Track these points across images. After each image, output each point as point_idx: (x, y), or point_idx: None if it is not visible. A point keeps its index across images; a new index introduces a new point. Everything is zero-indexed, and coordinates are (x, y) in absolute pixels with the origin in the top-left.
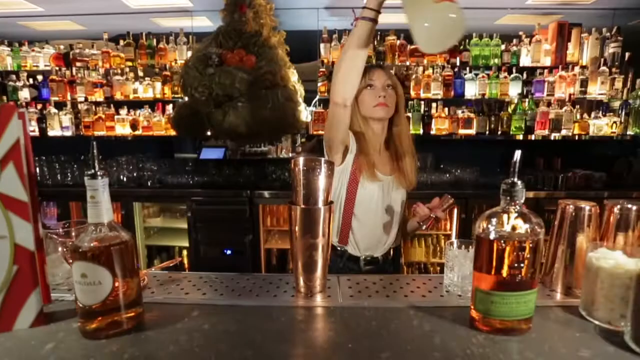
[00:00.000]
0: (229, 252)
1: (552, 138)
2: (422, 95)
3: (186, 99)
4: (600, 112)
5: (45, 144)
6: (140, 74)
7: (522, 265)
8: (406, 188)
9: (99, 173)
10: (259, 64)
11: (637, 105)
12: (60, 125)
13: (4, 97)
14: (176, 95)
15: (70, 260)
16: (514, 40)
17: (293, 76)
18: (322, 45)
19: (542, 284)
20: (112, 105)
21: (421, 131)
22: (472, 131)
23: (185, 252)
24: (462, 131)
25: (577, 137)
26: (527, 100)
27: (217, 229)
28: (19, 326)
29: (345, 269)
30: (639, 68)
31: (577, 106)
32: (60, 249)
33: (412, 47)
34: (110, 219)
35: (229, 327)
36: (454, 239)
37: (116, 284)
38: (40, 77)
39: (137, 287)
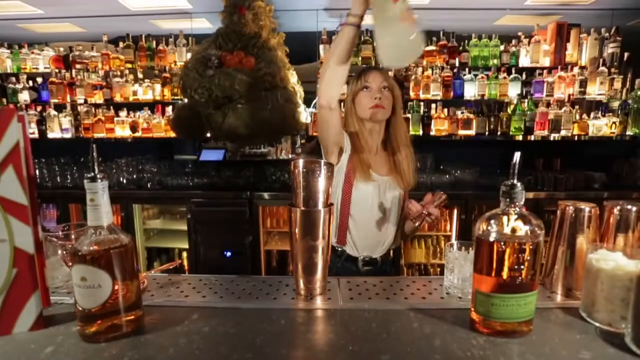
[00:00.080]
0: (228, 253)
1: (551, 138)
2: (422, 96)
3: (186, 100)
4: (600, 112)
5: (44, 146)
6: (140, 75)
7: (522, 267)
8: (404, 189)
9: (98, 176)
10: (259, 66)
11: (636, 106)
12: (59, 128)
13: (4, 100)
14: (176, 97)
15: (70, 263)
16: (513, 41)
17: (292, 77)
18: (321, 47)
19: (542, 285)
20: (111, 107)
21: (421, 132)
22: (471, 132)
23: (185, 254)
24: (461, 132)
25: (576, 138)
26: (526, 100)
27: (217, 230)
28: (18, 329)
29: (344, 270)
30: (638, 68)
31: (576, 106)
32: (59, 251)
33: None
34: (110, 222)
35: (229, 330)
36: (453, 240)
37: (116, 287)
38: (39, 79)
39: (137, 290)
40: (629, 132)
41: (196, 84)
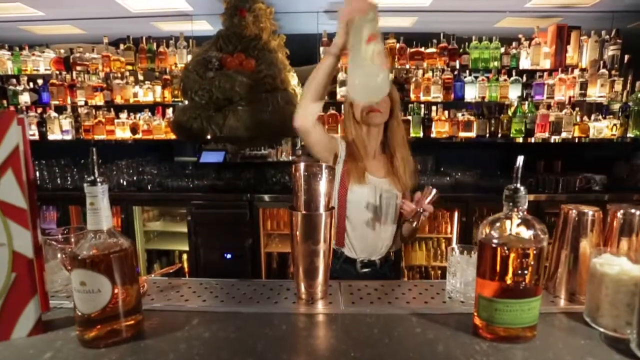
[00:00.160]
0: (229, 256)
1: (552, 141)
2: (422, 98)
3: (186, 102)
4: (600, 114)
5: (45, 148)
6: (141, 77)
7: (526, 272)
8: (401, 191)
9: (98, 179)
10: (259, 68)
11: (637, 108)
12: (60, 129)
13: (4, 101)
14: (176, 99)
15: (69, 267)
16: (514, 43)
17: (293, 80)
18: (321, 49)
19: (545, 290)
20: (112, 109)
21: (421, 134)
22: (472, 134)
23: (185, 256)
24: (462, 134)
25: (577, 140)
26: (527, 103)
27: (217, 232)
28: (16, 335)
29: (342, 271)
30: (638, 70)
31: (577, 109)
32: (59, 255)
33: (412, 50)
34: (109, 226)
35: (230, 335)
36: (454, 242)
37: (115, 292)
38: (40, 81)
39: (137, 294)
40: (629, 134)
41: (197, 86)
